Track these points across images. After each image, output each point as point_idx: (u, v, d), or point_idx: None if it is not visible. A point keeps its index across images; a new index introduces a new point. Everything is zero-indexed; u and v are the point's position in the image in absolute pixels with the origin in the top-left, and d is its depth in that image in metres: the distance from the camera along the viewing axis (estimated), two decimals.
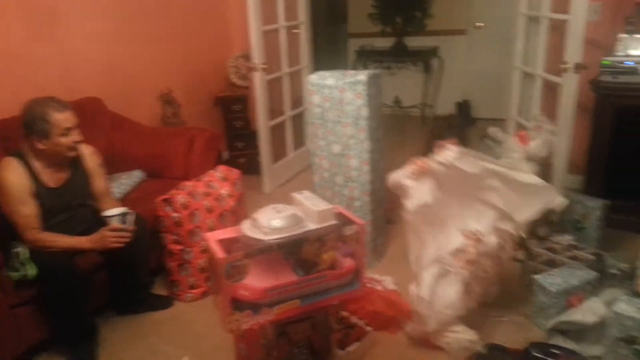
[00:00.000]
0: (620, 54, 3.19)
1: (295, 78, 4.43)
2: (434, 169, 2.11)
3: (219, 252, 1.58)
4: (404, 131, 5.73)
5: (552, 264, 2.56)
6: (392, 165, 3.46)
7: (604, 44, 3.29)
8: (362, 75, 2.68)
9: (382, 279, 2.61)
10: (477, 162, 2.18)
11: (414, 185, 2.11)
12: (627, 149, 3.14)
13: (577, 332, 2.22)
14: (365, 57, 5.99)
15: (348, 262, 1.78)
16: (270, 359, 1.83)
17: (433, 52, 5.89)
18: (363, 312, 2.31)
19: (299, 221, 1.68)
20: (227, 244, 1.67)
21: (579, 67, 3.00)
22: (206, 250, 1.69)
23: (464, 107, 5.78)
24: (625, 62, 3.10)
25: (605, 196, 2.99)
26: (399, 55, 5.94)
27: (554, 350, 2.10)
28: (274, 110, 4.13)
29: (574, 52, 2.99)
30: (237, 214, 2.80)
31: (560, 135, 3.14)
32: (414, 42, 5.95)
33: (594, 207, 2.83)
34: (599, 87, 3.13)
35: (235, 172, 2.94)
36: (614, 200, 2.99)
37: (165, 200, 2.60)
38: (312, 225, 1.69)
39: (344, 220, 1.76)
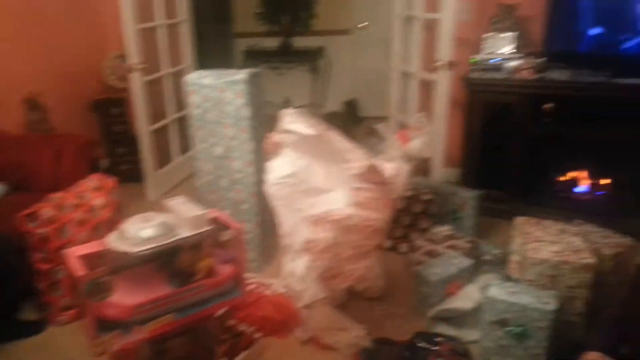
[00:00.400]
0: (486, 52, 3.41)
1: (178, 79, 4.23)
2: (281, 139, 2.12)
3: (78, 270, 1.44)
4: None
5: (432, 255, 2.66)
6: None
7: (472, 43, 3.49)
8: (242, 74, 2.61)
9: (270, 282, 2.56)
10: (311, 124, 2.21)
11: (273, 160, 2.09)
12: (496, 142, 3.35)
13: (458, 318, 2.33)
14: (253, 57, 5.91)
15: (227, 269, 1.71)
16: None
17: (319, 52, 5.95)
18: (252, 319, 2.25)
19: (170, 229, 1.58)
20: (90, 259, 1.53)
21: (450, 65, 3.16)
22: (67, 269, 1.54)
23: (351, 106, 5.90)
24: (491, 60, 3.32)
25: (479, 186, 3.17)
26: (287, 55, 5.94)
27: (436, 339, 2.18)
28: (157, 113, 3.94)
29: (445, 50, 3.14)
30: (115, 225, 2.61)
31: (436, 131, 3.28)
32: (301, 42, 5.98)
33: (468, 198, 2.99)
34: (469, 83, 3.33)
35: (110, 181, 2.74)
36: (487, 190, 3.19)
37: (28, 215, 2.36)
38: (184, 233, 1.60)
39: (220, 225, 1.69)
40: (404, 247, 2.96)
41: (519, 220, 2.72)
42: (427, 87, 3.66)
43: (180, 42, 4.25)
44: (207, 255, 1.66)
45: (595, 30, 3.12)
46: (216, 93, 2.63)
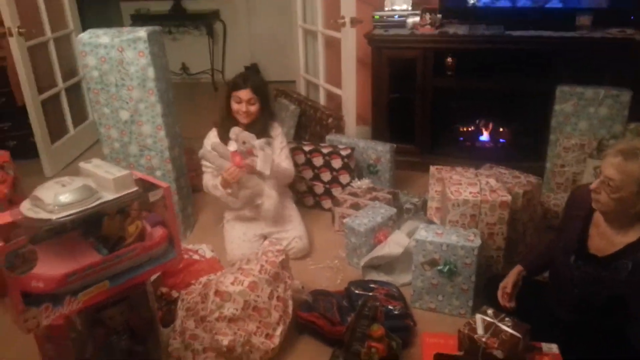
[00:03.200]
0: (387, 8, 3.47)
1: (64, 44, 3.88)
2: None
3: None
4: (194, 99, 5.51)
5: (356, 207, 2.70)
6: (190, 130, 3.30)
7: (372, 1, 3.52)
8: (141, 32, 2.42)
9: (197, 248, 2.46)
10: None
11: None
12: (402, 96, 3.45)
13: (388, 264, 2.40)
14: (142, 22, 5.53)
15: (159, 231, 1.60)
16: (86, 353, 1.56)
17: (214, 15, 5.72)
18: (184, 285, 2.15)
19: (92, 193, 1.44)
20: (4, 231, 1.35)
21: (354, 21, 3.16)
22: None
23: (253, 71, 5.76)
24: (395, 16, 3.39)
25: (390, 141, 3.25)
26: (179, 19, 5.65)
27: (370, 285, 2.23)
28: (44, 82, 3.56)
29: (348, 7, 3.13)
30: (14, 202, 2.35)
31: (346, 89, 3.31)
32: (194, 5, 5.72)
33: (384, 151, 3.06)
34: (374, 40, 3.36)
35: (3, 154, 2.45)
36: (398, 144, 3.28)
37: None
38: (108, 196, 1.46)
39: (146, 186, 1.56)
40: (327, 203, 2.98)
41: (433, 168, 2.86)
42: (330, 47, 3.67)
43: (61, 4, 3.85)
44: (135, 218, 1.54)
45: None
46: (115, 53, 2.42)
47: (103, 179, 1.48)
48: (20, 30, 3.23)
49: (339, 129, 3.39)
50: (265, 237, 2.54)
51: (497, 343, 1.54)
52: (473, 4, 3.31)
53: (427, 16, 3.28)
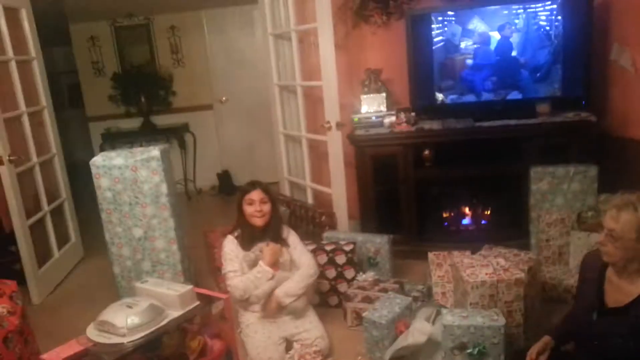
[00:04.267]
0: (364, 110, 3.76)
1: (47, 168, 3.89)
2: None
3: None
4: None
5: (368, 301, 2.76)
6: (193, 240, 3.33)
7: (348, 104, 3.81)
8: (154, 151, 2.54)
9: None
10: None
11: None
12: (386, 190, 3.65)
13: (412, 354, 2.43)
14: (113, 140, 5.65)
15: (217, 344, 1.61)
16: None
17: (184, 128, 5.92)
18: None
19: (160, 311, 1.46)
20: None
21: (339, 125, 3.41)
22: None
23: (224, 177, 5.90)
24: (373, 117, 3.67)
25: (378, 233, 3.38)
26: (150, 134, 5.78)
27: None
28: (29, 207, 3.53)
29: (332, 112, 3.38)
30: (25, 333, 2.26)
31: (336, 187, 3.48)
32: (163, 120, 5.91)
33: (382, 243, 3.18)
34: (356, 140, 3.61)
35: (10, 284, 2.38)
36: (386, 234, 3.40)
37: None
38: (175, 313, 1.48)
39: (206, 299, 1.60)
40: (333, 299, 3.02)
41: (432, 255, 3.00)
42: (312, 149, 3.89)
43: (43, 130, 3.93)
44: (197, 333, 1.55)
45: (451, 84, 3.64)
46: (129, 173, 2.50)
47: (167, 296, 1.51)
48: (10, 158, 3.25)
49: (332, 225, 3.51)
50: (287, 340, 2.53)
51: None
52: (442, 101, 3.64)
53: (402, 115, 3.58)
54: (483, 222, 3.70)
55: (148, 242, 2.54)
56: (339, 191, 3.48)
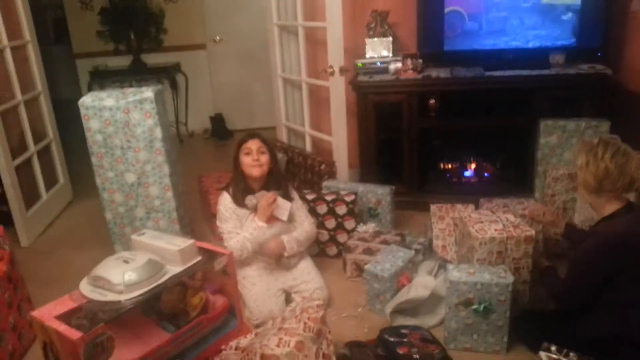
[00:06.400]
0: (368, 55, 3.57)
1: (32, 106, 3.70)
2: None
3: (69, 333, 1.16)
4: None
5: (369, 253, 2.69)
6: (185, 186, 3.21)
7: (351, 48, 3.62)
8: (148, 92, 2.37)
9: None
10: None
11: None
12: (389, 139, 3.52)
13: (413, 308, 2.38)
14: (101, 78, 5.41)
15: (220, 300, 1.52)
16: None
17: (176, 68, 5.67)
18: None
19: (159, 268, 1.36)
20: (66, 319, 1.24)
21: (342, 70, 3.23)
22: (46, 334, 1.23)
23: (218, 121, 5.72)
24: (377, 63, 3.49)
25: (379, 183, 3.28)
26: (140, 73, 5.53)
27: (402, 331, 2.20)
28: (14, 147, 3.36)
29: (336, 56, 3.20)
30: (14, 279, 2.17)
31: (337, 135, 3.35)
32: (154, 59, 5.65)
33: (384, 194, 3.09)
34: (359, 86, 3.44)
35: None
36: (386, 185, 3.32)
37: None
38: (175, 269, 1.38)
39: (208, 254, 1.50)
40: (332, 250, 2.95)
41: (434, 207, 2.92)
42: (311, 94, 3.73)
43: (27, 66, 3.70)
44: (198, 289, 1.46)
45: (462, 31, 3.46)
46: (120, 115, 2.34)
47: (166, 251, 1.40)
48: None
49: (331, 174, 3.40)
50: (286, 292, 2.48)
51: None
52: (451, 48, 3.46)
53: (409, 62, 3.40)
54: (486, 174, 3.61)
55: (142, 188, 2.42)
56: (340, 139, 3.35)
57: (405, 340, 2.14)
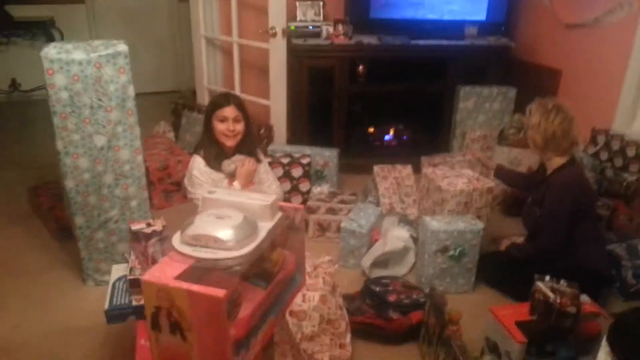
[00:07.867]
0: (299, 19, 3.59)
1: None
2: None
3: (210, 290, 1.11)
4: (30, 122, 4.70)
5: (333, 212, 2.80)
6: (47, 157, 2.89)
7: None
8: (121, 45, 2.16)
9: None
10: None
11: None
12: (320, 102, 3.62)
13: (383, 261, 2.56)
14: None
15: (289, 256, 1.53)
16: None
17: (49, 23, 5.01)
18: None
19: (254, 225, 1.33)
20: (185, 278, 1.18)
21: (284, 32, 3.23)
22: (166, 298, 1.14)
23: None
24: (310, 27, 3.53)
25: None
26: (6, 27, 4.79)
27: (384, 281, 2.38)
28: None
29: (278, 17, 3.18)
30: None
31: (275, 100, 3.35)
32: (22, 11, 4.92)
33: (331, 156, 3.20)
34: (294, 50, 3.46)
35: None
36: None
37: None
38: (268, 225, 1.37)
39: (284, 209, 1.49)
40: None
41: (377, 168, 3.13)
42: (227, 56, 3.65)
43: None
44: (276, 245, 1.46)
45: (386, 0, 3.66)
46: (91, 70, 2.10)
47: (254, 206, 1.37)
48: None
49: (269, 138, 3.41)
50: None
51: (568, 301, 1.87)
52: (377, 15, 3.64)
53: (340, 27, 3.51)
54: (404, 137, 3.91)
55: (112, 152, 2.19)
56: (279, 103, 3.36)
57: (390, 288, 2.32)
